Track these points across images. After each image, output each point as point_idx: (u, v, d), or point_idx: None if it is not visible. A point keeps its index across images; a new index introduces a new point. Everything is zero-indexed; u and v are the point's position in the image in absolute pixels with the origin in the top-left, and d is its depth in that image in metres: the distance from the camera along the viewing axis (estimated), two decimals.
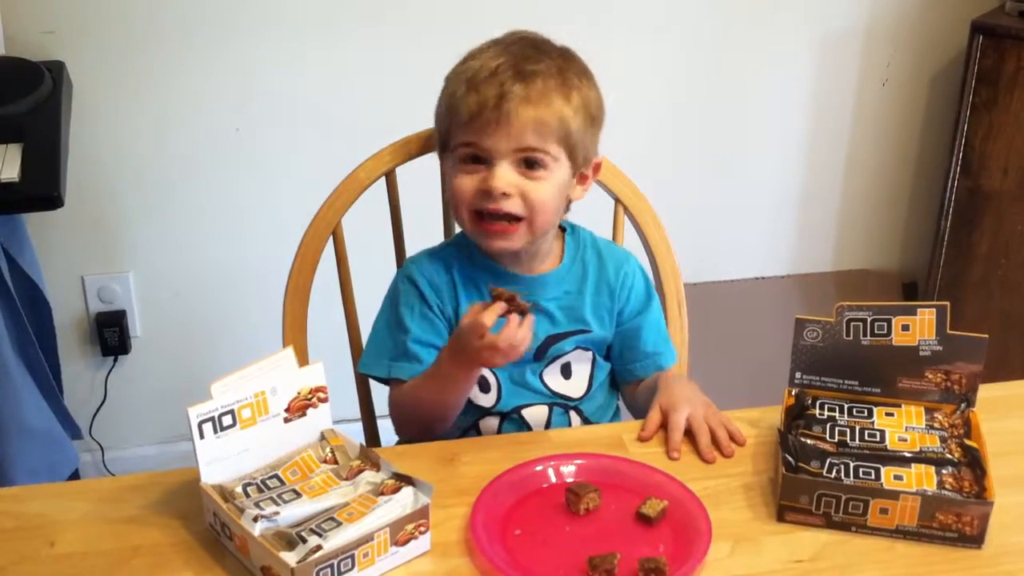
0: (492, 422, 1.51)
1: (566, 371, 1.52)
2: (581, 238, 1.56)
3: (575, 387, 1.53)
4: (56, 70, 2.21)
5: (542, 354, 1.50)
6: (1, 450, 2.00)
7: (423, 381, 1.44)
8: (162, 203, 2.49)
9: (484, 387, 1.50)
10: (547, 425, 1.51)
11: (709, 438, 1.35)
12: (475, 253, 1.50)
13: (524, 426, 1.51)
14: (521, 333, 1.31)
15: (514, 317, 1.31)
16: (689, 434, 1.36)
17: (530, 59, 1.40)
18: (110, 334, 2.54)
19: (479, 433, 1.51)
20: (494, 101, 1.36)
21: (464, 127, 1.39)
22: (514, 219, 1.40)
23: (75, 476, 2.27)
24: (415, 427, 1.48)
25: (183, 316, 2.59)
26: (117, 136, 2.41)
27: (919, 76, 2.82)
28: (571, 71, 1.42)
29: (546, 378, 1.51)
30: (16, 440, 2.01)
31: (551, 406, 1.51)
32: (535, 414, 1.51)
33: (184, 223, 2.51)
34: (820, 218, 2.95)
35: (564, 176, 1.43)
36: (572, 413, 1.53)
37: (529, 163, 1.39)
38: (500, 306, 1.31)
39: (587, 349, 1.53)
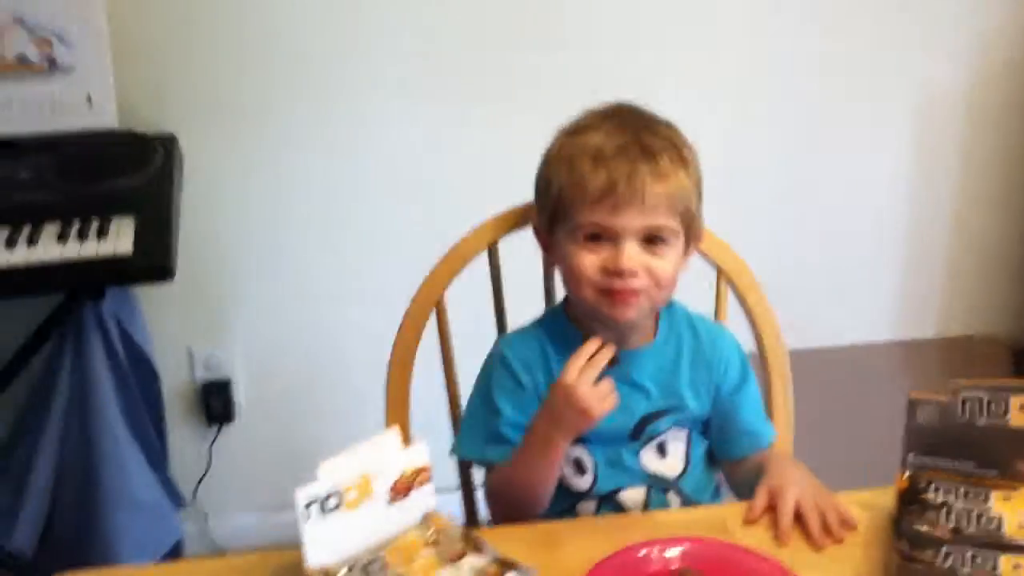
0: (589, 506, 1.49)
1: (662, 449, 1.50)
2: (675, 312, 1.54)
3: (671, 466, 1.50)
4: (168, 143, 2.27)
5: (638, 433, 1.48)
6: (109, 522, 2.03)
7: (516, 458, 1.42)
8: (269, 273, 2.54)
9: (580, 469, 1.48)
10: (645, 507, 1.48)
11: (820, 522, 1.31)
12: (568, 328, 1.49)
13: (621, 511, 1.48)
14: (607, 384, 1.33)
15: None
16: (798, 518, 1.32)
17: (651, 132, 1.40)
18: (216, 403, 2.58)
19: (576, 516, 1.48)
20: (626, 180, 1.36)
21: (591, 206, 1.37)
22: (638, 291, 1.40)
23: (177, 547, 2.30)
24: (509, 512, 1.46)
25: (287, 385, 2.62)
26: (226, 208, 2.47)
27: None
28: (684, 144, 1.42)
29: (643, 458, 1.49)
30: (124, 512, 2.04)
31: (649, 488, 1.49)
32: (632, 497, 1.48)
33: (290, 294, 2.56)
34: (926, 282, 2.88)
35: (681, 250, 1.43)
36: (671, 494, 1.50)
37: (651, 240, 1.39)
38: (592, 344, 1.34)
39: (683, 427, 1.51)
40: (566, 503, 1.49)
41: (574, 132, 1.44)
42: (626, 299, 1.39)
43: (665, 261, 1.40)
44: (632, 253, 1.37)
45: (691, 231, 1.43)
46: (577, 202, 1.39)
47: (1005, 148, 2.76)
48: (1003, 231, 2.86)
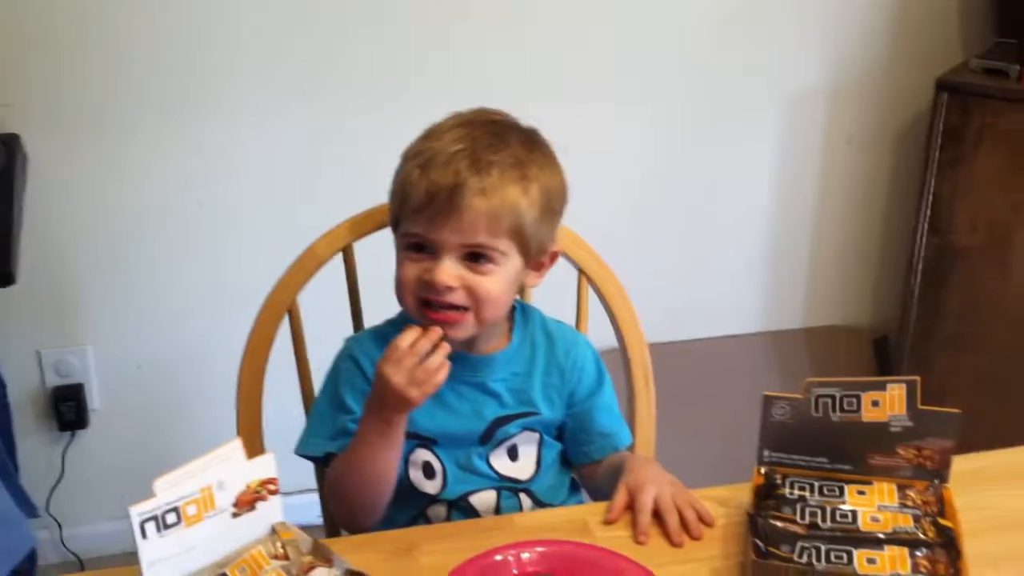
0: (439, 511, 1.46)
1: (513, 453, 1.48)
2: (530, 318, 1.52)
3: (523, 469, 1.48)
4: (11, 143, 2.17)
5: (489, 437, 1.46)
6: None
7: (350, 446, 1.38)
8: (121, 276, 2.45)
9: (429, 473, 1.45)
10: (496, 511, 1.46)
11: (678, 520, 1.31)
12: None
13: (473, 514, 1.46)
14: (435, 357, 1.28)
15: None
16: (656, 516, 1.32)
17: (491, 146, 1.34)
18: (67, 408, 2.48)
19: (427, 523, 1.46)
20: (446, 192, 1.31)
21: (413, 215, 1.34)
22: (460, 308, 1.36)
23: (32, 556, 2.21)
24: (346, 509, 1.43)
25: (143, 390, 2.54)
26: (75, 209, 2.37)
27: (884, 134, 2.83)
28: (532, 161, 1.37)
29: (493, 461, 1.47)
30: None
31: (499, 490, 1.47)
32: (483, 500, 1.46)
33: (143, 296, 2.47)
34: (790, 275, 2.94)
35: (515, 268, 1.39)
36: (522, 496, 1.48)
37: (475, 257, 1.35)
38: (414, 330, 1.29)
39: (534, 430, 1.49)
40: (416, 508, 1.46)
41: (426, 136, 1.39)
42: (447, 319, 1.35)
43: (488, 279, 1.35)
44: (449, 268, 1.33)
45: (528, 249, 1.38)
46: (404, 208, 1.36)
47: (863, 145, 2.82)
48: (863, 226, 2.93)
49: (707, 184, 2.77)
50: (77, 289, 2.44)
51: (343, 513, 1.46)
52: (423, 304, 1.37)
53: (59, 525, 2.54)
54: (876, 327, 3.03)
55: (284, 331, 1.59)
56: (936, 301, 2.67)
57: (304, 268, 1.58)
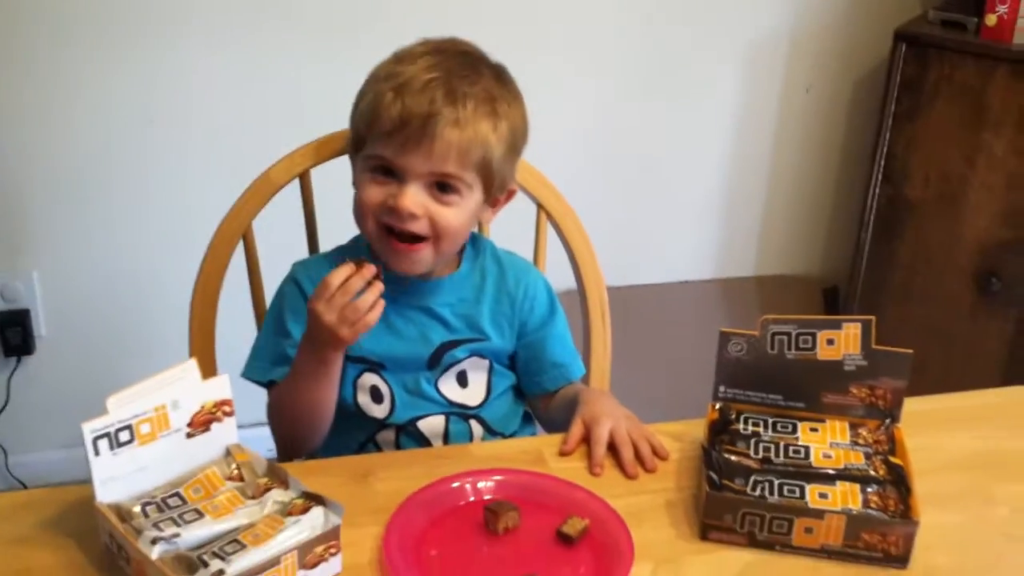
0: (388, 435, 1.46)
1: (462, 379, 1.48)
2: (481, 246, 1.51)
3: (472, 395, 1.49)
4: None
5: (436, 361, 1.46)
6: None
7: (289, 381, 1.38)
8: (68, 199, 2.40)
9: (377, 397, 1.45)
10: (445, 435, 1.47)
11: (632, 452, 1.32)
12: (364, 254, 1.44)
13: (422, 439, 1.46)
14: (367, 296, 1.26)
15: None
16: (611, 449, 1.33)
17: (465, 78, 1.33)
18: (12, 333, 2.45)
19: (377, 448, 1.46)
20: (420, 120, 1.30)
21: (383, 138, 1.32)
22: (419, 239, 1.35)
23: None
24: (286, 435, 1.43)
25: (91, 316, 2.50)
26: (21, 130, 2.32)
27: (842, 84, 2.83)
28: (502, 98, 1.36)
29: (441, 387, 1.47)
30: None
31: (448, 415, 1.47)
32: (432, 425, 1.46)
33: (91, 220, 2.43)
34: (744, 223, 2.95)
35: (476, 202, 1.39)
36: (473, 423, 1.49)
37: (442, 187, 1.34)
38: (347, 267, 1.26)
39: (483, 357, 1.49)
40: (365, 433, 1.46)
41: (396, 59, 1.37)
42: (407, 250, 1.36)
43: (451, 210, 1.35)
44: (414, 195, 1.33)
45: (491, 184, 1.38)
46: (371, 131, 1.34)
47: (820, 94, 2.83)
48: (817, 176, 2.94)
49: (664, 131, 2.77)
50: (23, 213, 2.39)
51: (283, 438, 1.46)
52: (384, 229, 1.36)
53: (4, 452, 2.52)
54: (826, 277, 3.05)
55: (237, 257, 1.57)
56: (887, 252, 2.70)
57: (260, 193, 1.56)
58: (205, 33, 2.34)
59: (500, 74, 1.40)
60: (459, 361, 1.47)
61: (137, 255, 2.48)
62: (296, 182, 1.58)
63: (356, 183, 1.39)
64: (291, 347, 1.40)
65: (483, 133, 1.33)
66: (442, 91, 1.31)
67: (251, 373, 1.45)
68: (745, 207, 2.93)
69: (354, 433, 1.45)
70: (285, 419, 1.41)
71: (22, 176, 2.36)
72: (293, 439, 1.42)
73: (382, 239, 1.37)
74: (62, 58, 2.29)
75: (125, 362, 2.45)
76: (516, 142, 1.40)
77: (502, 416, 1.51)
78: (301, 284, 1.44)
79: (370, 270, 1.27)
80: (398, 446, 1.46)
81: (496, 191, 1.41)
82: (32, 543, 1.14)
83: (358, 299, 1.26)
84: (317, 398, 1.37)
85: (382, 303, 1.27)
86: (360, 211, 1.37)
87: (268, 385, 1.44)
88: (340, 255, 1.48)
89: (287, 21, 2.38)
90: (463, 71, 1.34)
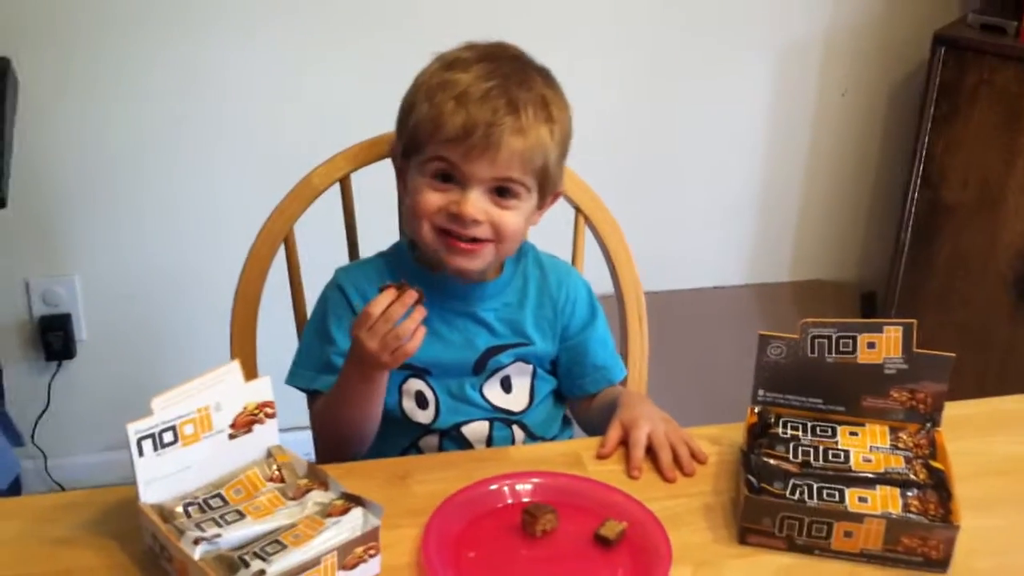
0: (431, 441, 1.46)
1: (506, 384, 1.48)
2: (523, 250, 1.52)
3: (516, 401, 1.49)
4: (1, 67, 2.14)
5: (481, 367, 1.46)
6: None
7: (332, 393, 1.39)
8: (110, 204, 2.42)
9: (422, 403, 1.45)
10: (488, 441, 1.47)
11: (671, 456, 1.32)
12: (407, 261, 1.46)
13: (465, 444, 1.46)
14: (408, 324, 1.24)
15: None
16: (649, 452, 1.33)
17: (522, 84, 1.35)
18: (54, 338, 2.47)
19: (420, 451, 1.46)
20: (484, 128, 1.31)
21: (446, 144, 1.33)
22: (477, 241, 1.36)
23: (16, 484, 2.21)
24: (331, 445, 1.43)
25: (131, 320, 2.52)
26: (65, 135, 2.34)
27: (879, 87, 2.81)
28: (554, 101, 1.38)
29: (486, 392, 1.47)
30: None
31: (492, 421, 1.47)
32: (475, 430, 1.47)
33: (132, 225, 2.45)
34: (779, 228, 2.93)
35: (531, 205, 1.40)
36: (515, 428, 1.49)
37: (501, 192, 1.36)
38: (388, 293, 1.25)
39: (527, 362, 1.49)
40: (408, 438, 1.47)
41: (447, 65, 1.38)
42: (467, 250, 1.36)
43: (512, 214, 1.37)
44: (477, 201, 1.34)
45: (546, 188, 1.40)
46: (432, 138, 1.34)
47: (857, 98, 2.81)
48: (854, 180, 2.92)
49: (698, 135, 2.76)
50: (65, 218, 2.42)
51: (327, 447, 1.46)
52: (442, 231, 1.36)
53: (44, 455, 2.54)
54: (864, 282, 3.03)
55: (277, 260, 1.59)
56: (925, 257, 2.68)
57: (301, 197, 1.57)
58: (237, 32, 2.36)
59: (547, 77, 1.41)
60: (504, 366, 1.47)
61: (175, 258, 2.50)
62: (337, 187, 1.59)
63: (411, 188, 1.39)
64: (336, 355, 1.41)
65: (543, 138, 1.35)
66: (504, 100, 1.33)
67: (296, 381, 1.46)
68: (781, 212, 2.92)
69: (398, 438, 1.45)
70: (330, 430, 1.41)
71: (61, 182, 2.38)
72: (338, 448, 1.42)
73: (440, 239, 1.37)
74: (100, 67, 2.31)
75: (165, 366, 2.48)
76: (566, 144, 1.42)
77: (543, 420, 1.52)
78: (346, 291, 1.45)
79: (411, 296, 1.25)
80: (441, 451, 1.46)
81: (548, 193, 1.43)
82: (74, 544, 1.16)
83: (400, 326, 1.25)
84: (364, 413, 1.37)
85: (423, 330, 1.27)
86: (415, 216, 1.37)
87: (313, 393, 1.45)
88: (382, 260, 1.50)
89: (320, 20, 2.39)
90: (519, 77, 1.36)
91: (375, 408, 1.38)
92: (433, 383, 1.45)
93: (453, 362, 1.45)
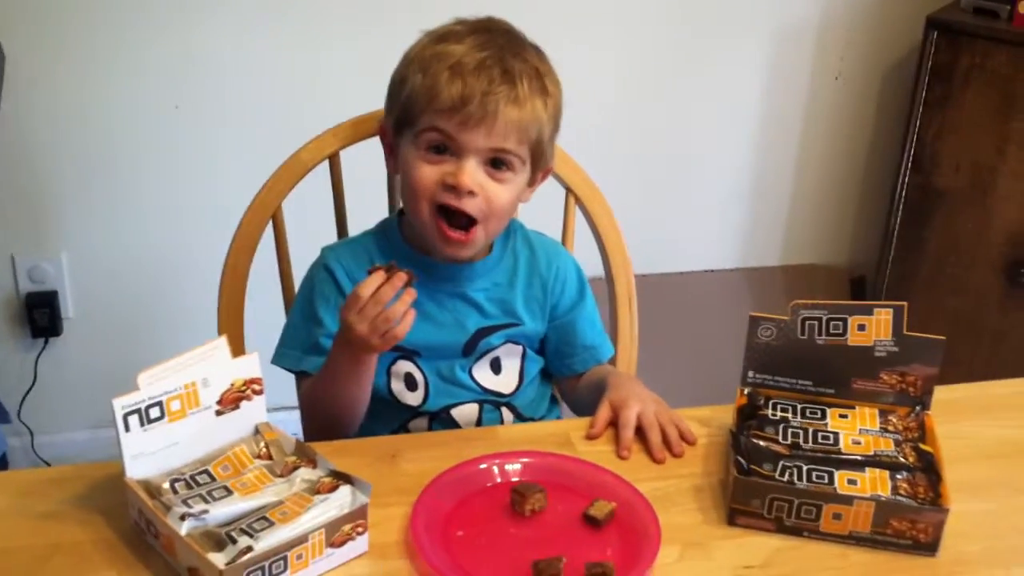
0: (421, 423, 1.46)
1: (496, 366, 1.48)
2: (512, 228, 1.51)
3: (505, 382, 1.48)
4: None
5: (471, 349, 1.46)
6: None
7: (320, 374, 1.37)
8: (98, 181, 2.41)
9: (411, 385, 1.45)
10: (477, 423, 1.46)
11: (660, 436, 1.31)
12: (396, 240, 1.45)
13: (454, 428, 1.45)
14: (398, 306, 1.23)
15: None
16: (639, 432, 1.32)
17: (516, 55, 1.35)
18: (40, 315, 2.45)
19: (409, 432, 1.45)
20: (480, 96, 1.30)
21: (441, 114, 1.32)
22: (472, 222, 1.35)
23: (2, 461, 2.20)
24: (319, 426, 1.41)
25: (117, 298, 2.51)
26: (51, 112, 2.32)
27: (872, 71, 2.81)
28: (547, 74, 1.38)
29: (476, 374, 1.47)
30: None
31: (481, 403, 1.47)
32: (465, 413, 1.46)
33: (120, 202, 2.43)
34: (770, 212, 2.93)
35: (523, 180, 1.39)
36: (504, 410, 1.48)
37: (496, 163, 1.35)
38: (377, 276, 1.24)
39: (517, 343, 1.48)
40: (398, 420, 1.46)
41: (439, 38, 1.37)
42: (460, 240, 1.36)
43: (505, 187, 1.36)
44: (473, 172, 1.33)
45: (538, 162, 1.40)
46: (427, 109, 1.33)
47: (850, 81, 2.80)
48: (845, 164, 2.92)
49: (691, 119, 2.75)
50: (52, 195, 2.40)
51: (315, 428, 1.45)
52: (437, 215, 1.35)
53: (30, 432, 2.53)
54: (854, 267, 3.03)
55: (265, 237, 1.58)
56: (916, 242, 2.68)
57: (290, 174, 1.56)
58: (231, 16, 2.34)
59: (539, 52, 1.41)
60: (494, 348, 1.47)
61: (164, 237, 2.48)
62: (325, 164, 1.58)
63: (403, 163, 1.37)
64: (324, 336, 1.40)
65: (538, 110, 1.35)
66: (499, 69, 1.32)
67: (283, 361, 1.45)
68: (772, 196, 2.91)
69: (387, 420, 1.45)
70: (318, 411, 1.40)
71: (50, 159, 2.37)
72: (326, 430, 1.41)
73: (434, 225, 1.36)
74: (90, 42, 2.29)
75: (151, 344, 2.46)
76: (558, 119, 1.42)
77: (532, 401, 1.51)
78: (333, 271, 1.43)
79: (401, 278, 1.24)
80: None
81: (539, 168, 1.42)
82: (61, 518, 1.15)
83: (390, 309, 1.24)
84: (352, 395, 1.36)
85: (413, 313, 1.26)
86: (413, 195, 1.36)
87: (299, 374, 1.44)
88: (368, 239, 1.48)
89: (313, 4, 2.37)
90: (513, 48, 1.36)
91: (364, 390, 1.37)
92: (423, 365, 1.45)
93: (443, 343, 1.44)
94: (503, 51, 1.34)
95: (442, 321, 1.44)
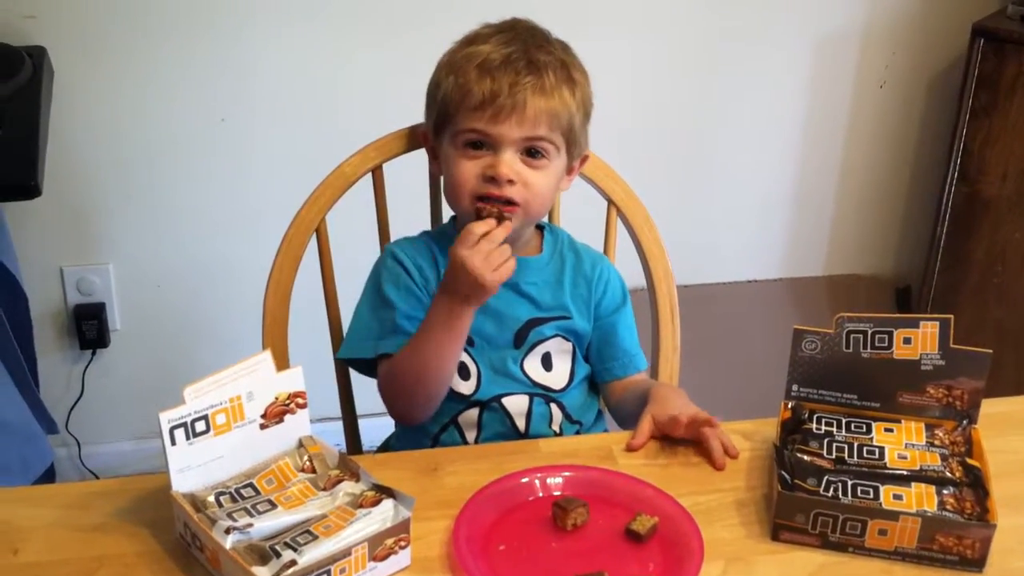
0: (472, 415, 1.48)
1: (547, 362, 1.50)
2: (558, 236, 1.56)
3: (556, 379, 1.50)
4: (37, 56, 2.15)
5: (522, 339, 1.48)
6: None
7: (414, 341, 1.40)
8: (144, 193, 2.43)
9: (464, 374, 1.47)
10: (528, 415, 1.48)
11: (721, 445, 1.31)
12: (452, 240, 1.46)
13: (505, 415, 1.47)
14: (506, 247, 1.34)
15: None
16: (693, 443, 1.32)
17: (541, 48, 1.42)
18: (88, 327, 2.48)
19: (459, 428, 1.48)
20: (508, 89, 1.37)
21: (473, 112, 1.38)
22: (512, 204, 1.39)
23: (50, 472, 2.22)
24: (406, 399, 1.43)
25: (164, 309, 2.53)
26: (99, 124, 2.35)
27: (918, 79, 2.78)
28: (574, 65, 1.44)
29: (527, 367, 1.49)
30: None
31: (532, 396, 1.48)
32: (516, 403, 1.48)
33: (166, 214, 2.46)
34: (814, 221, 2.91)
35: (561, 167, 1.45)
36: (553, 407, 1.50)
37: (532, 152, 1.40)
38: (489, 220, 1.35)
39: (567, 339, 1.51)
40: (449, 414, 1.48)
41: (467, 41, 1.45)
42: (502, 211, 1.39)
43: (543, 174, 1.41)
44: (510, 161, 1.39)
45: (572, 149, 1.45)
46: (460, 108, 1.40)
47: (895, 90, 2.78)
48: (890, 173, 2.89)
49: (733, 127, 2.74)
50: (100, 207, 2.43)
51: (400, 407, 1.47)
52: (481, 202, 1.39)
53: (78, 443, 2.55)
54: (899, 277, 3.00)
55: (309, 256, 1.59)
56: (962, 251, 2.65)
57: (333, 187, 1.57)
58: (272, 25, 2.36)
59: (565, 46, 1.47)
60: (546, 339, 1.49)
61: (209, 249, 2.50)
62: (368, 179, 1.59)
63: (445, 162, 1.44)
64: (400, 317, 1.44)
65: (566, 99, 1.41)
66: (523, 62, 1.39)
67: (356, 352, 1.47)
68: (816, 204, 2.89)
69: (438, 414, 1.46)
70: (407, 383, 1.42)
71: (97, 172, 2.39)
72: (413, 406, 1.44)
73: (476, 214, 1.40)
74: (136, 57, 2.32)
75: (197, 356, 2.49)
76: (588, 108, 1.47)
77: (580, 405, 1.53)
78: (400, 260, 1.48)
79: (506, 227, 1.35)
80: (480, 426, 1.48)
81: (574, 157, 1.48)
82: (107, 531, 1.16)
83: (503, 246, 1.33)
84: (445, 354, 1.39)
85: (514, 258, 1.35)
86: (455, 190, 1.42)
87: (372, 362, 1.46)
88: (427, 237, 1.54)
89: (354, 16, 2.39)
90: (537, 42, 1.43)
91: (457, 349, 1.40)
92: (475, 355, 1.47)
93: (496, 333, 1.48)
94: (528, 45, 1.41)
95: (496, 311, 1.47)
